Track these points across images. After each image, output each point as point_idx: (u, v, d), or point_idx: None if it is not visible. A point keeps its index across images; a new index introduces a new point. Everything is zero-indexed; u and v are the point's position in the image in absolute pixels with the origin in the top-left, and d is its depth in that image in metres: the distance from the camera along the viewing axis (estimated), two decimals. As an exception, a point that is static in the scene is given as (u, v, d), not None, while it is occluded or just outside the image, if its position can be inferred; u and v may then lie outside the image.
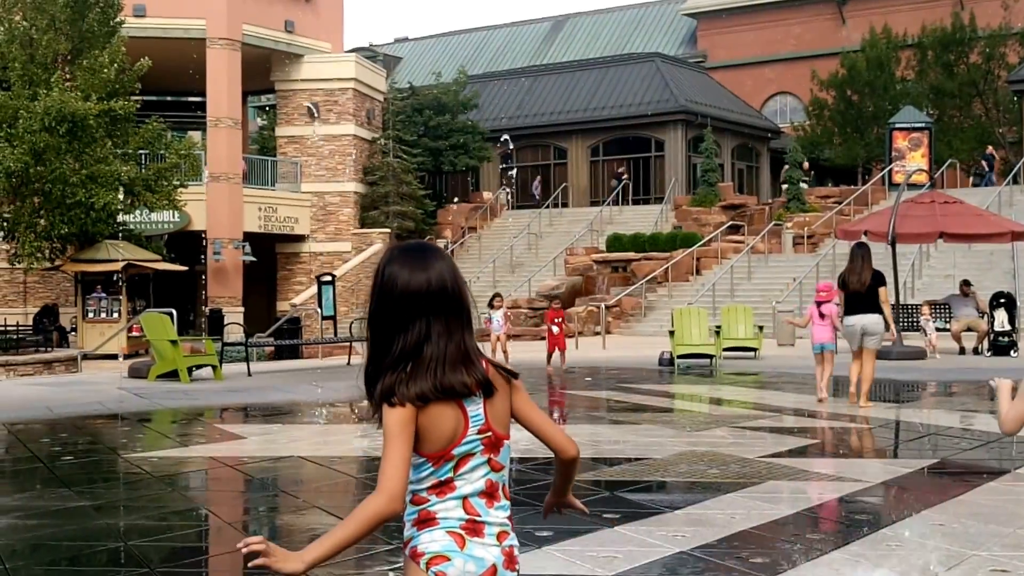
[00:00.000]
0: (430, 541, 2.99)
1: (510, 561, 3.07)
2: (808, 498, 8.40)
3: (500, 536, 3.06)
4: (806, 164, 47.22)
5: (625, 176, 48.67)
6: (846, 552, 6.75)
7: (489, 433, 3.08)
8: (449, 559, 2.97)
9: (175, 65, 36.39)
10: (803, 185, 43.82)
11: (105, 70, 28.03)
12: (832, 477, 9.33)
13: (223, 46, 38.09)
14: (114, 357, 26.49)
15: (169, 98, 41.75)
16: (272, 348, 27.22)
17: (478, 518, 3.04)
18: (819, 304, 15.21)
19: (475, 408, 3.07)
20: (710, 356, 22.36)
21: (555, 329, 20.56)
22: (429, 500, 3.04)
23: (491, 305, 21.94)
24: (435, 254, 3.17)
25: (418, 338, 3.06)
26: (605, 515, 7.82)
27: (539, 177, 51.39)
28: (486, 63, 70.37)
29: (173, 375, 19.95)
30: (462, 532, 3.01)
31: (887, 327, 14.71)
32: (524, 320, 34.23)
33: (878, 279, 14.53)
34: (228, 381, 20.18)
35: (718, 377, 20.25)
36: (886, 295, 14.69)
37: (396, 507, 2.96)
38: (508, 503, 3.13)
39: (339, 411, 16.36)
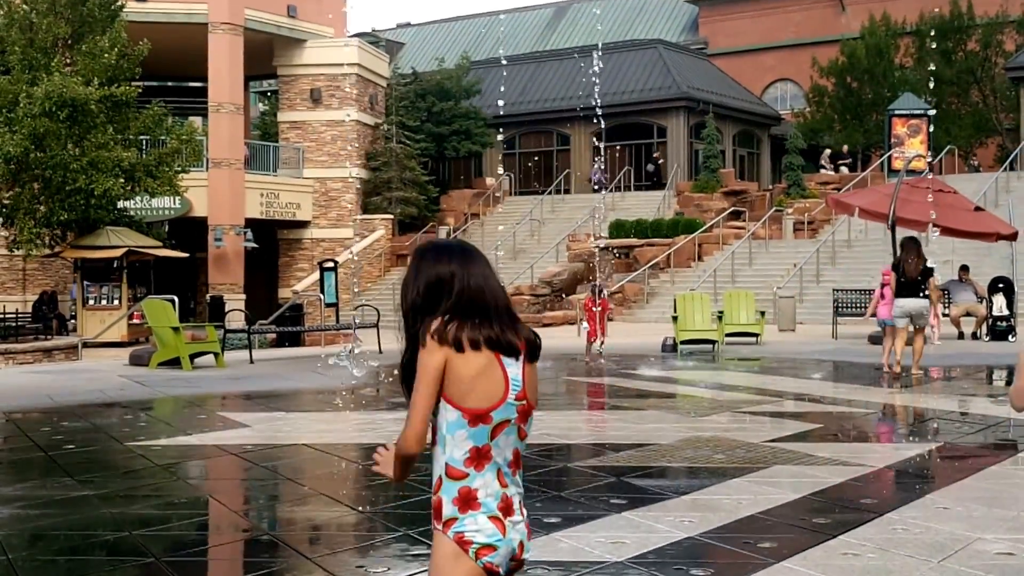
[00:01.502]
0: (476, 530, 3.09)
1: (528, 532, 3.24)
2: (813, 483, 8.38)
3: (521, 506, 3.21)
4: (827, 153, 47.46)
5: (661, 160, 48.48)
6: (853, 536, 6.74)
7: (524, 401, 3.16)
8: (496, 548, 3.10)
9: (176, 50, 36.35)
10: (829, 172, 44.34)
11: (106, 55, 27.98)
12: (836, 461, 9.31)
13: (225, 31, 38.01)
14: (115, 345, 26.51)
15: (170, 83, 41.71)
16: (274, 335, 27.21)
17: (508, 491, 3.15)
18: (883, 286, 17.77)
19: (515, 371, 3.14)
20: (713, 341, 22.40)
21: (590, 318, 19.96)
22: (468, 474, 3.10)
23: None
24: (469, 246, 3.31)
25: (462, 290, 3.15)
26: (612, 501, 7.81)
27: (598, 162, 50.36)
28: (489, 49, 70.22)
29: (175, 362, 19.92)
30: (500, 516, 3.12)
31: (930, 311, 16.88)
32: (527, 307, 34.21)
33: (927, 271, 16.48)
34: (230, 368, 20.16)
35: (721, 362, 20.26)
36: (934, 284, 16.81)
37: (414, 449, 3.10)
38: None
39: (343, 398, 16.35)
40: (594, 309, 19.87)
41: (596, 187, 47.44)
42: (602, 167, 46.90)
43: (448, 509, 3.10)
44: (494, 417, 3.08)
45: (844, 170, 43.71)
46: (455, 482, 3.09)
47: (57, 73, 26.27)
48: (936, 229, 23.69)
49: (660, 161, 48.38)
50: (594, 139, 49.27)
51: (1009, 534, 6.78)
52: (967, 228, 24.26)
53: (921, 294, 16.35)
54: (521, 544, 3.15)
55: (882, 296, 17.92)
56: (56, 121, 26.13)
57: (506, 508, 3.12)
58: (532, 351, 3.22)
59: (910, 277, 16.34)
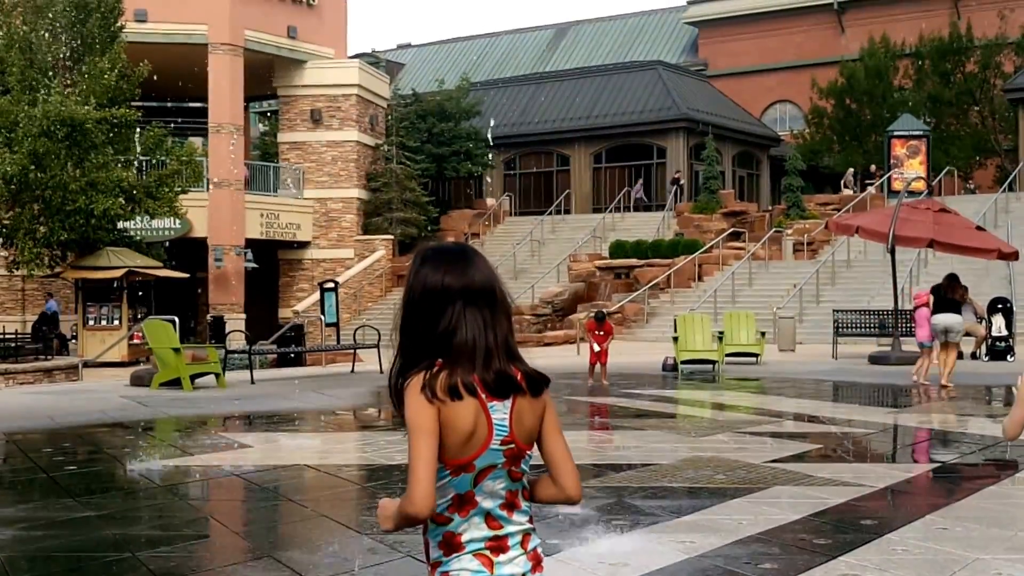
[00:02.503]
0: (460, 569, 2.98)
1: (536, 564, 3.09)
2: (813, 503, 8.40)
3: (524, 541, 3.06)
4: (850, 172, 47.45)
5: (683, 180, 48.60)
6: (853, 557, 6.76)
7: (512, 444, 3.00)
8: None
9: (176, 71, 36.42)
10: (850, 191, 44.49)
11: (105, 76, 28.03)
12: (836, 482, 9.33)
13: (225, 52, 38.13)
14: (115, 365, 26.48)
15: (170, 104, 41.76)
16: (275, 356, 27.20)
17: (501, 531, 3.02)
18: (915, 309, 19.40)
19: (500, 416, 2.98)
20: (713, 362, 22.40)
21: (595, 347, 19.87)
22: (452, 520, 3.00)
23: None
24: (472, 253, 3.12)
25: (452, 326, 2.98)
26: (614, 522, 7.83)
27: (640, 180, 50.24)
28: (489, 70, 70.46)
29: (175, 383, 19.92)
30: (488, 553, 3.00)
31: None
32: (527, 326, 34.23)
33: (963, 292, 19.22)
34: (231, 389, 20.16)
35: (721, 382, 20.27)
36: (972, 300, 19.89)
37: (422, 512, 2.92)
38: (528, 505, 3.11)
39: (344, 419, 16.37)
40: (597, 333, 19.80)
41: (637, 202, 47.71)
42: (641, 185, 47.13)
43: (434, 552, 3.04)
44: (476, 465, 2.96)
45: (871, 190, 43.36)
46: (439, 526, 3.02)
47: (57, 94, 26.32)
48: (931, 247, 23.84)
49: (682, 182, 48.48)
50: (597, 161, 49.51)
51: (1008, 554, 6.80)
52: (968, 244, 24.32)
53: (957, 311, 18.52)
54: None
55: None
56: (56, 141, 26.17)
57: (497, 548, 3.01)
58: (533, 385, 3.04)
59: (949, 295, 18.56)
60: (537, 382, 3.05)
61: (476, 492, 2.99)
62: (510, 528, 3.04)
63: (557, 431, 3.11)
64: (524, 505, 3.10)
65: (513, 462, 3.02)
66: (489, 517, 3.02)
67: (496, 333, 3.01)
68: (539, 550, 3.11)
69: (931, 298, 18.66)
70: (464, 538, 3.00)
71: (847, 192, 45.77)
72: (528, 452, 3.06)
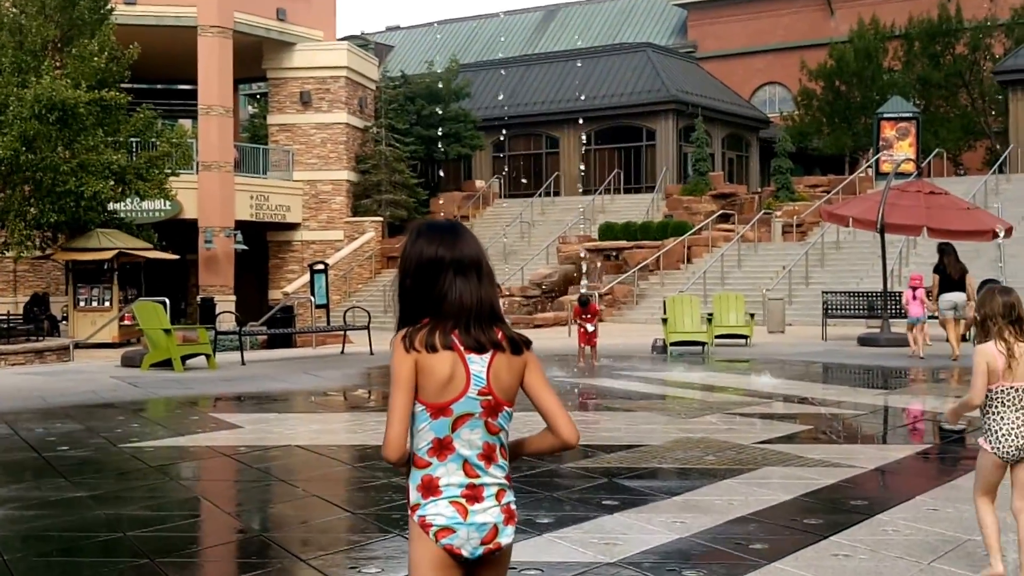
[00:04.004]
0: (436, 514, 3.21)
1: (509, 517, 3.30)
2: (804, 484, 8.44)
3: (499, 495, 3.29)
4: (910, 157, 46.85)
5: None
6: (844, 537, 6.80)
7: (489, 396, 3.24)
8: (455, 531, 3.20)
9: (166, 53, 36.35)
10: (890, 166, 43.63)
11: (95, 58, 27.94)
12: (826, 463, 9.37)
13: (214, 34, 38.01)
14: (106, 346, 26.47)
15: (160, 86, 41.66)
16: (265, 337, 27.20)
17: (477, 480, 3.25)
18: (913, 289, 20.54)
19: (478, 367, 3.23)
20: (702, 343, 22.45)
21: (589, 328, 19.85)
22: (431, 464, 3.23)
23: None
24: (461, 228, 3.40)
25: (444, 291, 3.26)
26: (604, 502, 7.86)
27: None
28: (478, 52, 70.27)
29: (166, 364, 19.93)
30: (463, 501, 3.22)
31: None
32: (517, 308, 34.25)
33: (964, 269, 19.92)
34: (222, 370, 20.17)
35: (710, 364, 20.32)
36: (971, 281, 19.56)
37: (392, 456, 3.23)
38: (506, 463, 3.34)
39: (334, 400, 16.39)
40: (584, 316, 19.78)
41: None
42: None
43: (414, 495, 3.25)
44: (454, 410, 3.20)
45: (861, 172, 42.58)
46: (419, 470, 3.24)
47: (47, 76, 26.23)
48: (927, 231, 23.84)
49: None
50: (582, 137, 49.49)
51: (1001, 535, 6.83)
52: (962, 228, 24.35)
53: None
54: (495, 528, 3.23)
55: (913, 296, 20.42)
56: (46, 124, 26.08)
57: (473, 496, 3.22)
58: (514, 344, 3.30)
59: (952, 276, 19.65)
60: (516, 342, 3.33)
61: (454, 438, 3.23)
62: (486, 479, 3.26)
63: (545, 385, 3.37)
64: (502, 461, 3.32)
65: (491, 414, 3.26)
66: (467, 464, 3.24)
67: (482, 297, 3.29)
68: (512, 506, 3.32)
69: (936, 278, 19.91)
70: (442, 482, 3.22)
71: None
72: (507, 408, 3.30)
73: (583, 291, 21.83)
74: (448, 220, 3.49)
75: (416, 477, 3.25)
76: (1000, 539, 5.77)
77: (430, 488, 3.22)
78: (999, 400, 5.60)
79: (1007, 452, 5.61)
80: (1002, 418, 5.60)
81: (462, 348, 3.22)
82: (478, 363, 3.23)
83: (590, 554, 6.47)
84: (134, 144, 30.43)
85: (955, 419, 5.99)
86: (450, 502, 3.20)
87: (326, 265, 33.52)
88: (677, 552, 6.55)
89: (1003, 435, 5.60)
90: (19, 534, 7.36)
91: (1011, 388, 5.56)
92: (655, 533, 6.95)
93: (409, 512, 3.27)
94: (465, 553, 3.20)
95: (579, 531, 7.01)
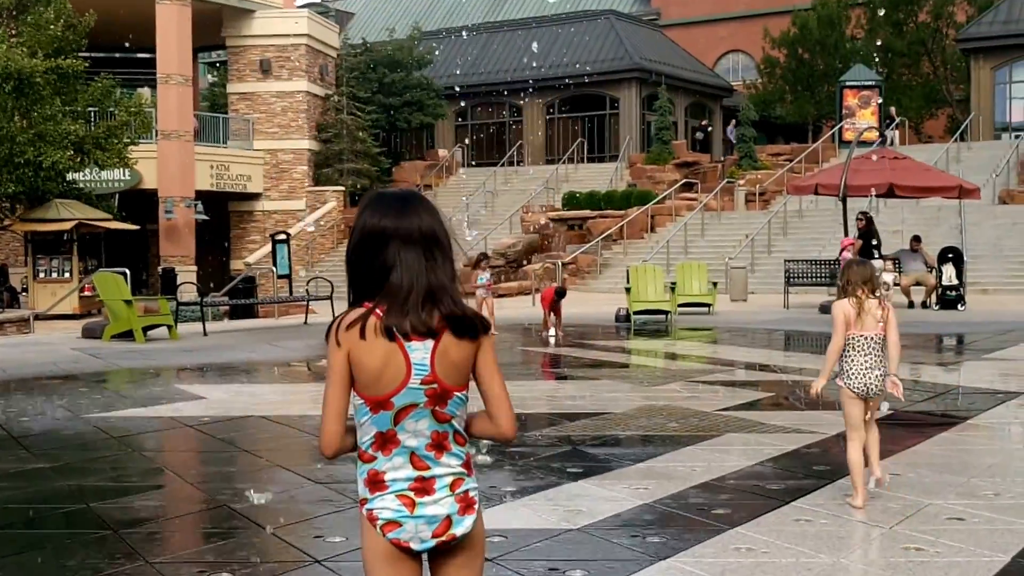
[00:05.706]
0: (383, 507, 3.06)
1: (466, 507, 3.12)
2: (766, 450, 8.50)
3: (454, 484, 3.10)
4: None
5: (710, 128, 48.15)
6: (805, 502, 6.86)
7: (435, 384, 3.05)
8: (401, 524, 3.05)
9: (124, 20, 35.87)
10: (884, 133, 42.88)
11: (51, 26, 27.62)
12: (788, 429, 9.44)
13: (173, 1, 37.59)
14: (67, 317, 26.27)
15: (118, 54, 41.15)
16: (227, 308, 27.07)
17: (427, 472, 3.08)
18: (842, 251, 21.66)
19: (421, 355, 3.04)
20: (665, 312, 22.52)
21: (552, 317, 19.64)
22: (375, 458, 3.08)
23: (477, 266, 21.03)
24: (416, 198, 3.18)
25: (388, 266, 3.08)
26: (569, 469, 7.89)
27: (734, 121, 48.64)
28: (440, 20, 69.85)
29: (128, 335, 19.81)
30: (411, 494, 3.06)
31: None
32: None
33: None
34: (184, 341, 20.07)
35: (674, 333, 20.40)
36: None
37: (327, 454, 3.13)
38: (462, 449, 3.15)
39: (298, 370, 16.35)
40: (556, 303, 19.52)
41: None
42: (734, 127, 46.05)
43: (361, 489, 3.11)
44: (395, 403, 3.03)
45: (891, 134, 41.82)
46: (365, 464, 3.09)
47: (2, 45, 25.90)
48: (889, 193, 24.11)
49: (709, 128, 48.21)
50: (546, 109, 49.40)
51: (960, 499, 6.92)
52: (929, 184, 24.59)
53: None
54: (448, 520, 3.07)
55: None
56: (2, 93, 25.79)
57: (422, 489, 3.06)
58: (457, 327, 3.08)
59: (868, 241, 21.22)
60: (464, 325, 3.09)
61: (398, 431, 3.06)
62: (438, 470, 3.09)
63: (493, 370, 3.17)
64: (456, 449, 3.13)
65: (437, 402, 3.07)
66: (415, 457, 3.07)
67: (433, 276, 3.07)
68: (471, 494, 3.14)
69: (859, 243, 20.52)
70: (387, 477, 3.07)
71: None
72: (456, 393, 3.10)
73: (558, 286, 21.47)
74: (404, 189, 3.27)
75: (363, 471, 3.10)
76: (864, 476, 6.81)
77: (376, 483, 3.07)
78: (851, 346, 6.86)
79: (857, 388, 6.84)
80: (853, 361, 6.85)
81: (401, 335, 3.01)
82: (420, 350, 3.02)
83: (554, 520, 6.50)
84: (92, 113, 30.10)
85: (828, 372, 6.98)
86: (396, 495, 3.05)
87: (288, 235, 33.36)
88: (640, 518, 6.59)
89: (853, 374, 6.85)
90: (-20, 506, 7.31)
91: (861, 336, 6.84)
92: (619, 500, 6.99)
93: (359, 504, 3.13)
94: (414, 546, 3.06)
95: (543, 498, 7.04)
